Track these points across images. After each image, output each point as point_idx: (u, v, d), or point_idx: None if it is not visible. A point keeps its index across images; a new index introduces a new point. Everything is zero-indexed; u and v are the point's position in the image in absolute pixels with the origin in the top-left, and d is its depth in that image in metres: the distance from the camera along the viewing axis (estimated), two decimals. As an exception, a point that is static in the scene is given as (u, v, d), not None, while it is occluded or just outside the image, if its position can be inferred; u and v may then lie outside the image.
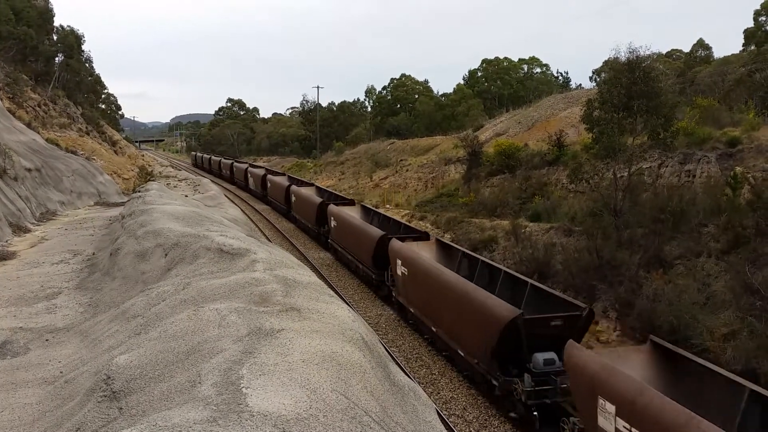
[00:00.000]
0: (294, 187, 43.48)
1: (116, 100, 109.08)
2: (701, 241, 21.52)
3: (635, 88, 24.06)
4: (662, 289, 19.48)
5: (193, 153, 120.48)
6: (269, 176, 54.84)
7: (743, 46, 58.18)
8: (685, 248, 21.57)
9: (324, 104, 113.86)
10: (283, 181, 49.14)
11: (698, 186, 25.72)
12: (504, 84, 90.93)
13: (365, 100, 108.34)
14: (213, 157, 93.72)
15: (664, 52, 69.44)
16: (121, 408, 4.99)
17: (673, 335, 16.82)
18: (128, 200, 23.10)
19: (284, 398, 4.34)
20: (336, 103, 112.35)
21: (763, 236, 19.51)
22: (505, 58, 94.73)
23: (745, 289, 17.81)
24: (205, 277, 8.37)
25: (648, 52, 25.29)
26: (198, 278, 8.36)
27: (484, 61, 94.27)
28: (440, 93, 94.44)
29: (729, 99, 39.74)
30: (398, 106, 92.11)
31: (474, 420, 15.99)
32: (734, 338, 16.70)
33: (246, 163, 77.43)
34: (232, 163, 76.61)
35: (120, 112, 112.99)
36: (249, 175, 62.87)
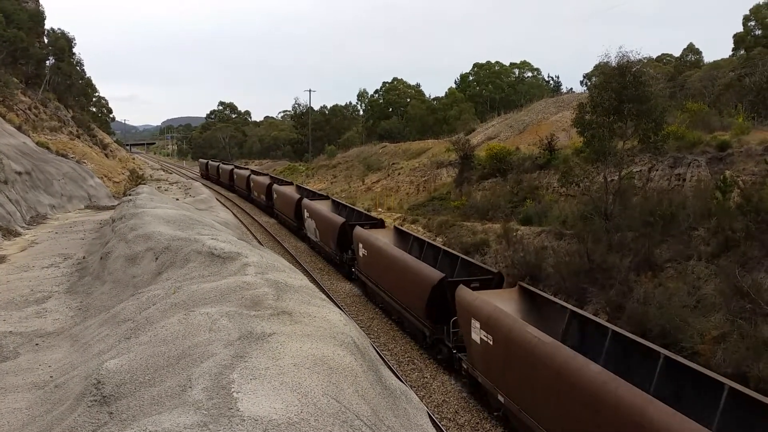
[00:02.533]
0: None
1: (107, 103, 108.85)
2: (691, 245, 21.63)
3: (626, 92, 24.17)
4: (652, 292, 19.58)
5: (204, 161, 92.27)
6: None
7: (733, 50, 58.61)
8: (675, 251, 21.67)
9: (316, 108, 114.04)
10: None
11: (688, 190, 25.85)
12: (495, 88, 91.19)
13: (357, 103, 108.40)
14: (238, 170, 66.09)
15: (654, 56, 69.89)
16: (111, 413, 4.97)
17: (664, 338, 16.90)
18: (119, 204, 23.02)
19: (275, 402, 4.33)
20: (328, 107, 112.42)
21: (753, 239, 19.63)
22: (497, 62, 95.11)
23: (734, 292, 17.92)
24: (196, 281, 8.35)
25: (638, 57, 25.43)
26: (189, 282, 8.33)
27: (476, 65, 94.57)
28: (432, 97, 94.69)
29: (719, 103, 40.02)
30: (390, 109, 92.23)
31: (466, 423, 16.00)
32: (724, 341, 16.80)
33: (291, 184, 47.69)
34: (271, 184, 48.07)
35: (111, 116, 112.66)
36: (305, 211, 35.25)
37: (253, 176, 55.72)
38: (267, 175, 57.09)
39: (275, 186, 46.49)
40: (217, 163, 79.37)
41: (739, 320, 17.01)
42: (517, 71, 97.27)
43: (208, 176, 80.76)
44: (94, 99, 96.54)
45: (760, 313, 17.01)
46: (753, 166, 24.77)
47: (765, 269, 18.82)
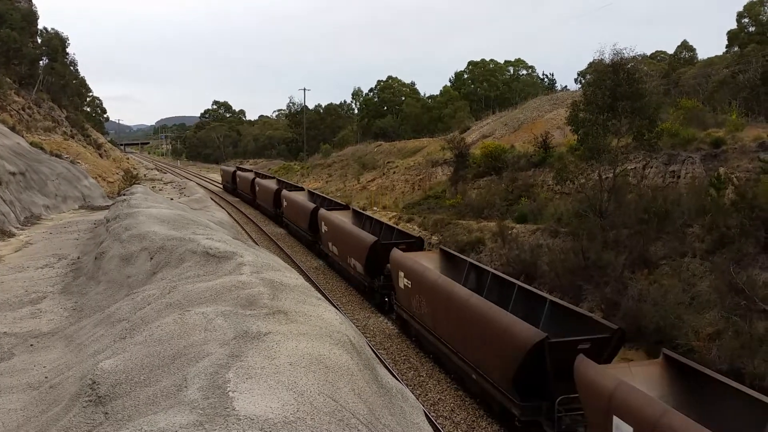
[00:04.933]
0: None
1: (101, 103, 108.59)
2: (686, 242, 21.68)
3: (619, 89, 24.21)
4: (647, 289, 19.61)
5: (229, 169, 67.72)
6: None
7: (726, 47, 58.67)
8: (669, 249, 21.72)
9: (311, 106, 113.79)
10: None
11: (683, 187, 25.92)
12: (490, 86, 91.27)
13: (352, 102, 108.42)
14: (289, 192, 41.32)
15: (648, 53, 70.01)
16: (106, 413, 4.95)
17: (659, 335, 16.94)
18: (113, 204, 22.95)
19: (271, 402, 4.32)
20: (323, 106, 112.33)
21: (747, 236, 19.68)
22: (491, 60, 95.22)
23: (729, 288, 17.96)
24: (191, 280, 8.33)
25: (632, 54, 25.48)
26: (184, 282, 8.31)
27: (471, 63, 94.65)
28: (427, 95, 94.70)
29: (713, 100, 40.09)
30: (385, 108, 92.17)
31: (462, 422, 16.02)
32: (719, 338, 16.83)
33: (421, 248, 25.64)
34: (379, 245, 24.27)
35: (105, 115, 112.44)
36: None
37: (324, 213, 31.93)
38: (347, 208, 35.12)
39: (398, 255, 22.09)
40: (251, 176, 55.08)
41: (734, 317, 17.05)
42: (511, 69, 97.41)
43: (236, 191, 59.16)
44: (88, 99, 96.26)
45: (755, 310, 17.06)
46: (747, 162, 24.84)
47: (760, 266, 18.88)
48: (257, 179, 51.95)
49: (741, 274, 18.12)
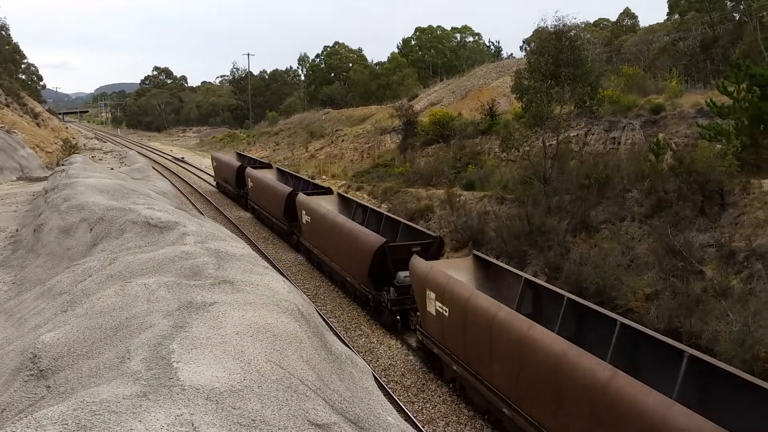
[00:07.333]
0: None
1: (37, 71, 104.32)
2: (625, 206, 22.27)
3: (562, 56, 24.50)
4: (588, 252, 20.12)
5: (230, 161, 42.33)
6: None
7: (667, 15, 59.68)
8: (609, 213, 22.29)
9: (255, 72, 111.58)
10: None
11: (623, 153, 26.52)
12: (437, 53, 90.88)
13: (298, 68, 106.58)
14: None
15: (592, 21, 70.76)
16: (48, 386, 4.87)
17: (599, 296, 17.45)
18: (51, 174, 22.26)
19: (217, 371, 4.32)
20: (268, 72, 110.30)
21: (685, 200, 20.31)
22: (439, 26, 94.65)
23: (667, 251, 18.57)
24: (132, 251, 8.18)
25: (574, 21, 25.76)
26: (125, 253, 8.16)
27: (418, 29, 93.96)
28: (375, 62, 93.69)
29: (653, 67, 40.90)
30: (332, 75, 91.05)
31: (412, 385, 16.31)
32: (657, 298, 17.44)
33: None
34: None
35: (41, 83, 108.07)
36: None
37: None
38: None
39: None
40: (283, 187, 30.96)
41: (671, 278, 17.66)
42: (458, 36, 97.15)
43: (247, 200, 37.12)
44: (23, 66, 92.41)
45: (692, 271, 17.70)
46: (685, 128, 25.51)
47: (696, 228, 19.55)
48: (301, 199, 26.81)
49: (678, 237, 18.74)
